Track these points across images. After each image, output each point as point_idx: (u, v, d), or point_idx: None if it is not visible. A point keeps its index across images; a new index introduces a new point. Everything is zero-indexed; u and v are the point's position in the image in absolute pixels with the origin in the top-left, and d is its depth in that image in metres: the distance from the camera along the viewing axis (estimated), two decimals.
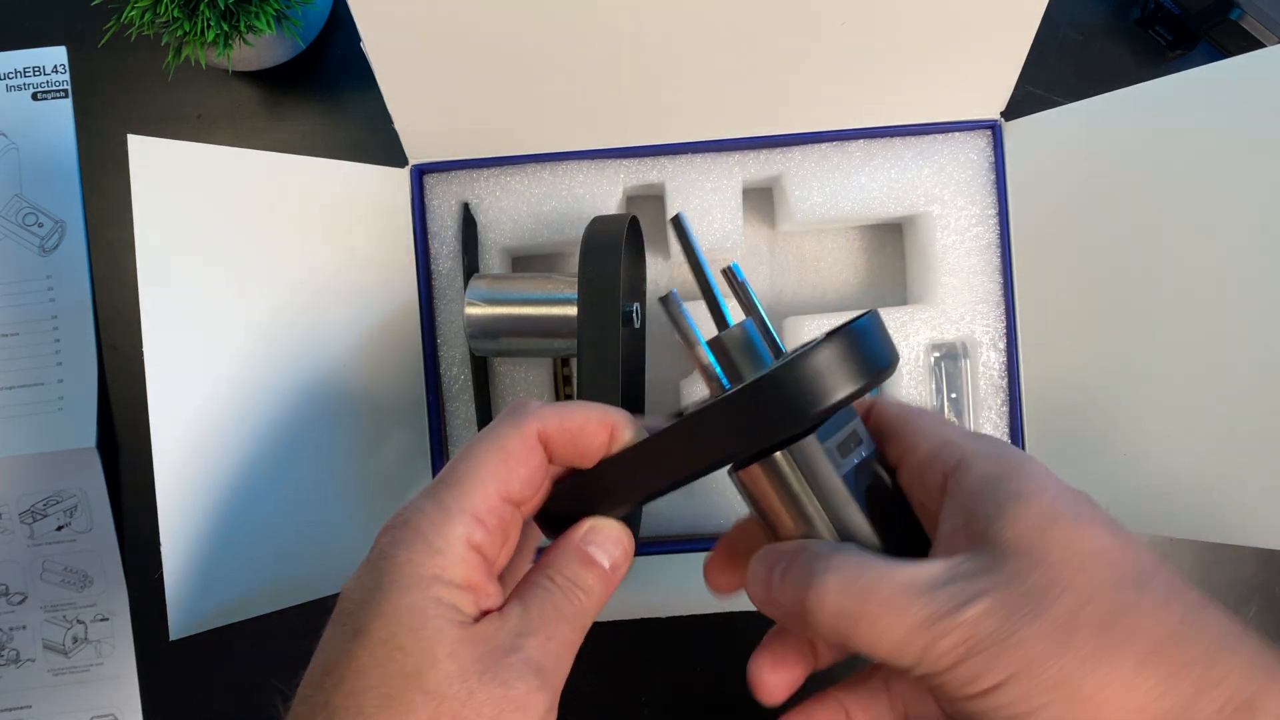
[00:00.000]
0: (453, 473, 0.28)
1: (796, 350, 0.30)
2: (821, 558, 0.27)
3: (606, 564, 0.29)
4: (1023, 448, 0.52)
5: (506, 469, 0.28)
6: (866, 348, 0.27)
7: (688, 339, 0.30)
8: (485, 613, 0.27)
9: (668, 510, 0.53)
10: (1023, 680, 0.23)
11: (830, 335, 0.27)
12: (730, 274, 0.32)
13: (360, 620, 0.26)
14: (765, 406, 0.27)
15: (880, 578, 0.26)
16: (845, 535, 0.29)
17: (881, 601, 0.25)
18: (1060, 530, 0.25)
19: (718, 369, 0.30)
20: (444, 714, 0.25)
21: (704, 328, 0.31)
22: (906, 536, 0.30)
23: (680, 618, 0.55)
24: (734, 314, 0.32)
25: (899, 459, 0.30)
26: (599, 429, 0.29)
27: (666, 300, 0.30)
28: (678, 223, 0.32)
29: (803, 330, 0.52)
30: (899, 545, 0.29)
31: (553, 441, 0.29)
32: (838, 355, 0.26)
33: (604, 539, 0.29)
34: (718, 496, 0.52)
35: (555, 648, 0.27)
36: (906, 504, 0.30)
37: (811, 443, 0.28)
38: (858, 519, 0.28)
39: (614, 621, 0.56)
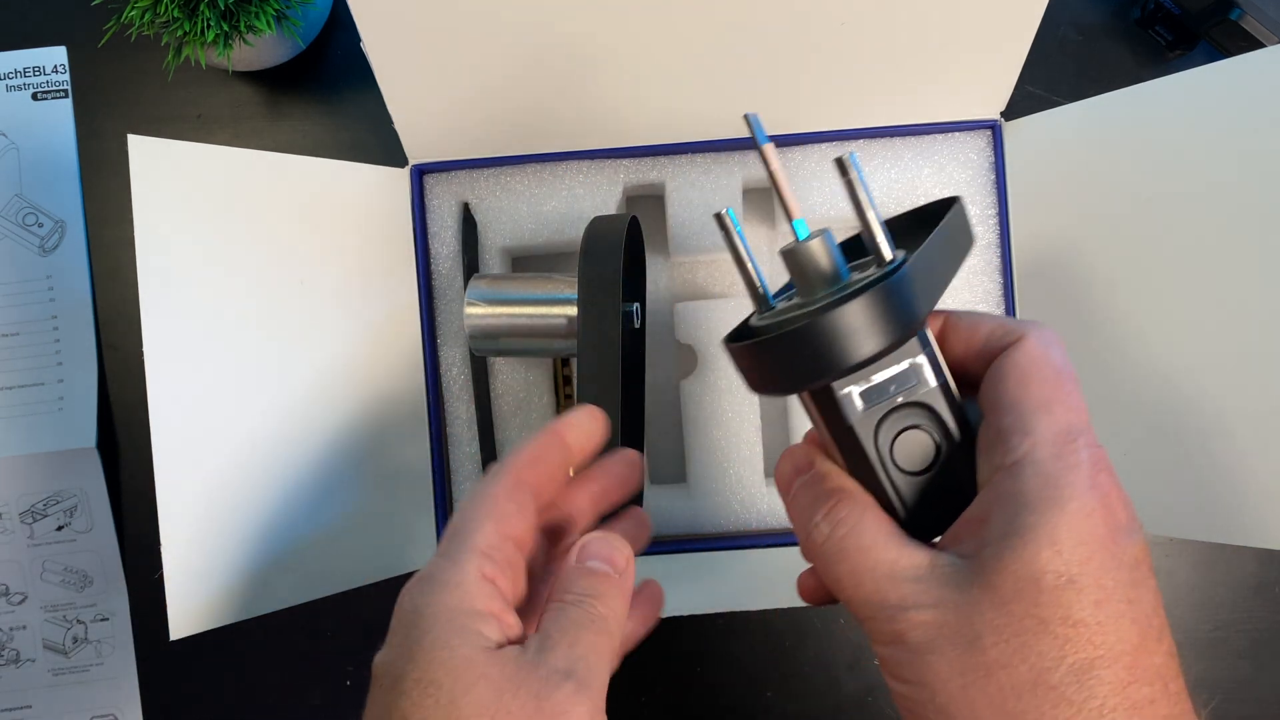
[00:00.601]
0: (451, 529, 0.30)
1: (865, 278, 0.27)
2: (824, 501, 0.28)
3: (610, 570, 0.30)
4: None
5: (499, 508, 0.30)
6: (894, 306, 0.25)
7: (739, 259, 0.29)
8: (508, 641, 0.28)
9: (668, 510, 0.53)
10: (921, 692, 0.25)
11: (850, 296, 0.25)
12: (844, 165, 0.28)
13: (397, 673, 0.27)
14: (777, 361, 0.26)
15: (861, 548, 0.27)
16: (856, 477, 0.29)
17: (851, 568, 0.27)
18: (1036, 590, 0.24)
19: (765, 290, 0.30)
20: None
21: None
22: (934, 493, 0.28)
23: (680, 618, 0.55)
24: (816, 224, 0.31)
25: (989, 412, 0.28)
26: (552, 450, 0.34)
27: (721, 217, 0.29)
28: (749, 120, 0.29)
29: None
30: (918, 504, 0.28)
31: (531, 484, 0.32)
32: (851, 323, 0.25)
33: (598, 550, 0.31)
34: (717, 497, 0.52)
35: (582, 652, 0.28)
36: (960, 452, 0.28)
37: (826, 390, 0.27)
38: (869, 470, 0.28)
39: None
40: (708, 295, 0.56)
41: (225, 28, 0.49)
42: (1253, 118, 0.41)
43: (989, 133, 0.52)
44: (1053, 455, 0.25)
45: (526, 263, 0.57)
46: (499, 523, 0.30)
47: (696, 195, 0.52)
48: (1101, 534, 0.25)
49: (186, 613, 0.41)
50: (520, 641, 0.28)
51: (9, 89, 0.60)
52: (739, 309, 0.53)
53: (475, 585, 0.28)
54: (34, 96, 0.60)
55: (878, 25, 0.46)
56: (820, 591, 0.32)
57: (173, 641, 0.41)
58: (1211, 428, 0.43)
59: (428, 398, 0.52)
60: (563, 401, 0.55)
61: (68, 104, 0.60)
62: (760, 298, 0.30)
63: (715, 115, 0.50)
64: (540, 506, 0.33)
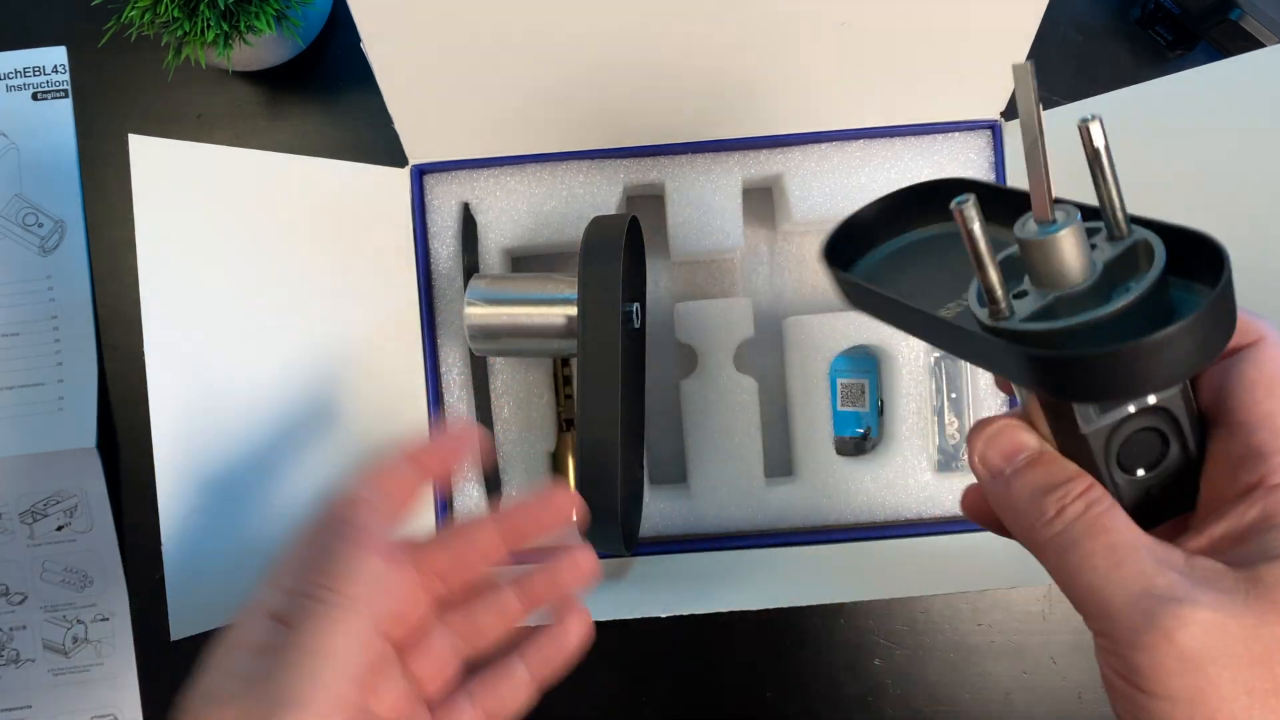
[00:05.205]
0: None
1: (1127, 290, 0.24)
2: (1068, 482, 0.26)
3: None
4: None
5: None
6: (1225, 313, 0.23)
7: (979, 258, 0.25)
8: None
9: (668, 510, 0.53)
10: (1185, 710, 0.22)
11: (1158, 304, 0.23)
12: (1086, 132, 0.25)
13: None
14: (1094, 376, 0.23)
15: (1119, 527, 0.24)
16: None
17: (1109, 544, 0.24)
18: None
19: (999, 292, 0.25)
20: None
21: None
22: (1148, 493, 0.27)
23: (680, 617, 0.55)
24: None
25: (1228, 422, 0.26)
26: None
27: (963, 211, 0.25)
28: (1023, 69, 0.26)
29: (803, 331, 0.52)
30: (1130, 501, 0.27)
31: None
32: (1184, 339, 0.22)
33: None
34: (717, 497, 0.52)
35: (315, 662, 0.27)
36: (1187, 458, 0.26)
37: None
38: (1090, 466, 0.26)
39: (614, 621, 0.56)
40: (708, 295, 0.56)
41: (225, 28, 0.49)
42: (1253, 118, 0.41)
43: (989, 133, 0.52)
44: None
45: (526, 263, 0.57)
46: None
47: (696, 195, 0.52)
48: None
49: (186, 613, 0.41)
50: None
51: (9, 89, 0.60)
52: (739, 309, 0.53)
53: None
54: (34, 96, 0.60)
55: (878, 25, 0.46)
56: (988, 511, 0.29)
57: (173, 641, 0.41)
58: None
59: (428, 398, 0.52)
60: (563, 401, 0.55)
61: (68, 104, 0.60)
62: (1002, 297, 0.26)
63: (715, 115, 0.50)
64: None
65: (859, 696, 0.57)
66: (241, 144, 0.57)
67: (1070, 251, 0.25)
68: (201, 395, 0.43)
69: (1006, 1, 0.45)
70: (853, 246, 0.33)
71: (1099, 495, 0.25)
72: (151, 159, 0.42)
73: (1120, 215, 0.26)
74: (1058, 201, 0.25)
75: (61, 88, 0.60)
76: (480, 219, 0.53)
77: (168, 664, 0.59)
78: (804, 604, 0.45)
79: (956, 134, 0.52)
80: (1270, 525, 0.24)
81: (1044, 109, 0.52)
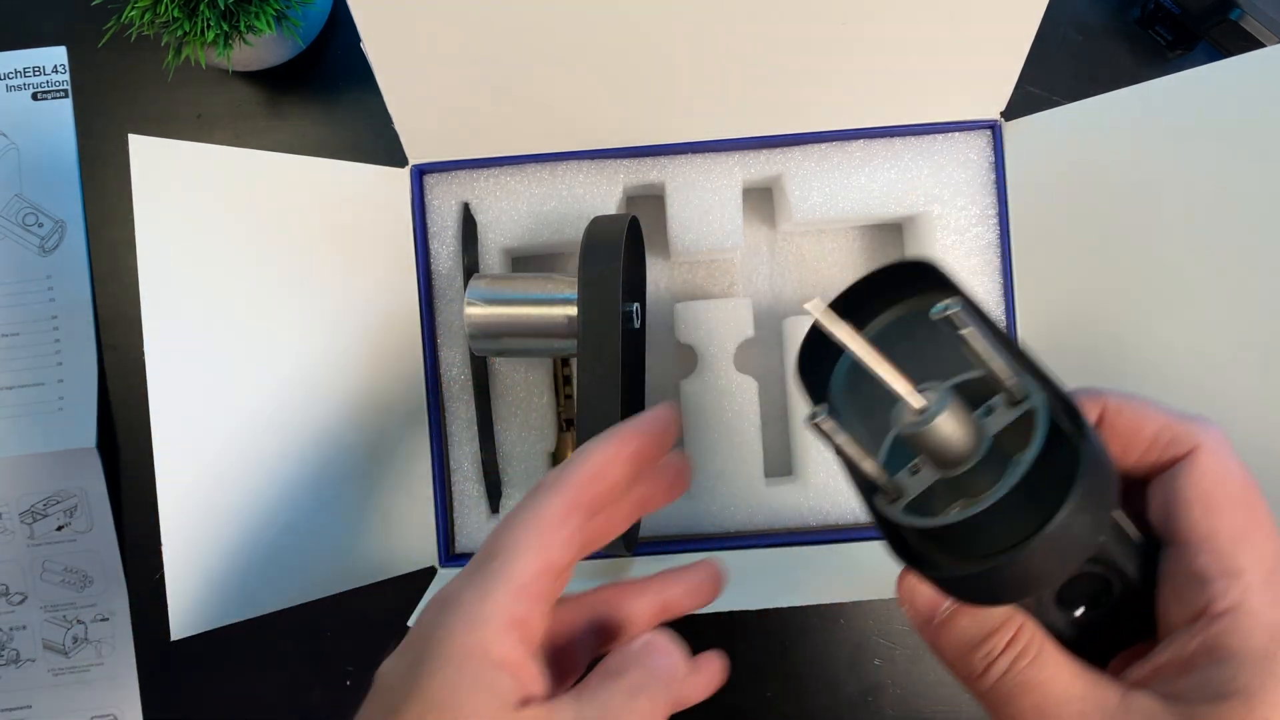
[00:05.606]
0: (489, 549, 0.27)
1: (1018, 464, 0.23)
2: (996, 631, 0.25)
3: (674, 673, 0.28)
4: None
5: (545, 536, 0.27)
6: (1102, 481, 0.22)
7: (850, 468, 0.25)
8: (528, 699, 0.25)
9: (667, 510, 0.53)
10: None
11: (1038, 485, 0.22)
12: (954, 322, 0.23)
13: (395, 699, 0.24)
14: (991, 584, 0.23)
15: (1046, 680, 0.24)
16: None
17: (1036, 703, 0.24)
18: None
19: (888, 475, 0.25)
20: None
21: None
22: (1098, 629, 0.26)
23: (680, 617, 0.55)
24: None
25: (1173, 542, 0.25)
26: (617, 464, 0.29)
27: (819, 422, 0.24)
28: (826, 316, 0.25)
29: (803, 331, 0.52)
30: (1078, 639, 0.25)
31: (587, 504, 0.28)
32: (1067, 525, 0.21)
33: (667, 648, 0.29)
34: (717, 497, 0.52)
35: None
36: (1133, 589, 0.25)
37: None
38: (1047, 620, 0.25)
39: None
40: (708, 295, 0.56)
41: (225, 28, 0.49)
42: (1253, 118, 0.41)
43: (989, 133, 0.52)
44: (1270, 603, 0.24)
45: (526, 263, 0.57)
46: (543, 552, 0.26)
47: (696, 195, 0.52)
48: None
49: (186, 613, 0.41)
50: (542, 698, 0.26)
51: (9, 89, 0.60)
52: (739, 309, 0.53)
53: (501, 629, 0.25)
54: (34, 96, 0.60)
55: (878, 25, 0.46)
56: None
57: (173, 641, 0.41)
58: None
59: (428, 398, 0.52)
60: (563, 402, 0.55)
61: (68, 104, 0.60)
62: (888, 485, 0.25)
63: (715, 115, 0.50)
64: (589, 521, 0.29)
65: (859, 696, 0.57)
66: (241, 144, 0.57)
67: (948, 436, 0.24)
68: (202, 395, 0.43)
69: (1006, 1, 0.45)
70: (824, 350, 0.31)
71: (1025, 643, 0.25)
72: (151, 159, 0.42)
73: (1011, 384, 0.25)
74: (942, 395, 0.24)
75: (61, 88, 0.60)
76: (480, 219, 0.53)
77: (168, 664, 0.59)
78: (804, 604, 0.45)
79: (956, 134, 0.52)
80: (1211, 659, 0.23)
81: (1044, 109, 0.51)
